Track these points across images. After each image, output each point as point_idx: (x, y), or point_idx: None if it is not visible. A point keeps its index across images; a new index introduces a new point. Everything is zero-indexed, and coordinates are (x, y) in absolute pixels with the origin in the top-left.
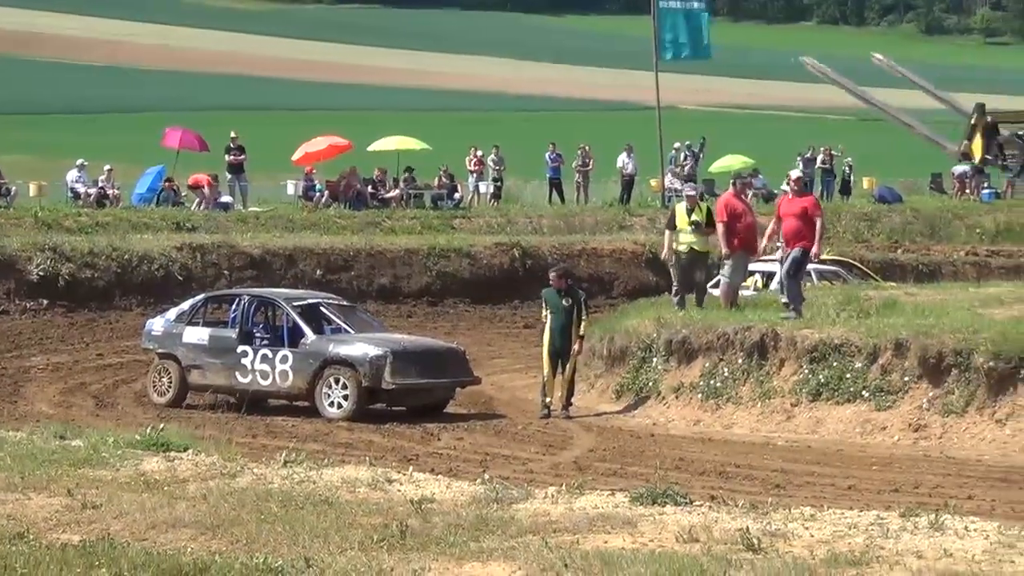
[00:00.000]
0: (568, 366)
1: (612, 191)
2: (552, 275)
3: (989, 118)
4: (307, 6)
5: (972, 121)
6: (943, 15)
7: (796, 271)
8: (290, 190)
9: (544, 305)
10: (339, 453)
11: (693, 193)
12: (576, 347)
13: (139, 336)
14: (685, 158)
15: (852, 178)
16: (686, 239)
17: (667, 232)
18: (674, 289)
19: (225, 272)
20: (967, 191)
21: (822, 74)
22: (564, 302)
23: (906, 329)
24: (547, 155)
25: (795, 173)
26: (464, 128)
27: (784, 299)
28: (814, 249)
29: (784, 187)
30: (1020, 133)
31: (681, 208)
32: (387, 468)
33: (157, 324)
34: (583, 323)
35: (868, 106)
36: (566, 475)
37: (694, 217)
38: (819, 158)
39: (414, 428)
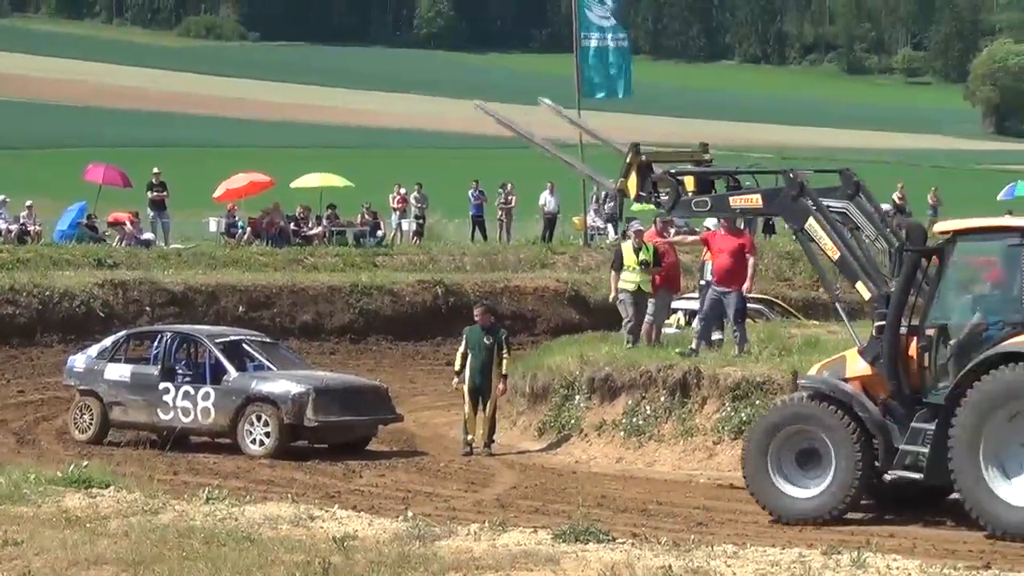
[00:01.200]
0: (489, 404)
1: (535, 229)
2: (477, 311)
3: (643, 156)
4: (231, 43)
5: (628, 159)
6: (864, 55)
7: (742, 317)
8: (212, 227)
9: (464, 342)
10: (261, 490)
11: (641, 228)
12: (500, 386)
13: (61, 373)
14: (606, 197)
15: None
16: (632, 279)
17: (612, 273)
18: (628, 326)
19: (147, 309)
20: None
21: (491, 115)
22: (486, 340)
23: None
24: (470, 192)
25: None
26: (387, 165)
27: (696, 339)
28: (746, 286)
29: (709, 224)
30: (672, 171)
31: (628, 247)
32: (309, 505)
33: (79, 361)
34: (505, 361)
35: (533, 145)
36: (488, 512)
37: (642, 256)
38: None
39: (336, 465)
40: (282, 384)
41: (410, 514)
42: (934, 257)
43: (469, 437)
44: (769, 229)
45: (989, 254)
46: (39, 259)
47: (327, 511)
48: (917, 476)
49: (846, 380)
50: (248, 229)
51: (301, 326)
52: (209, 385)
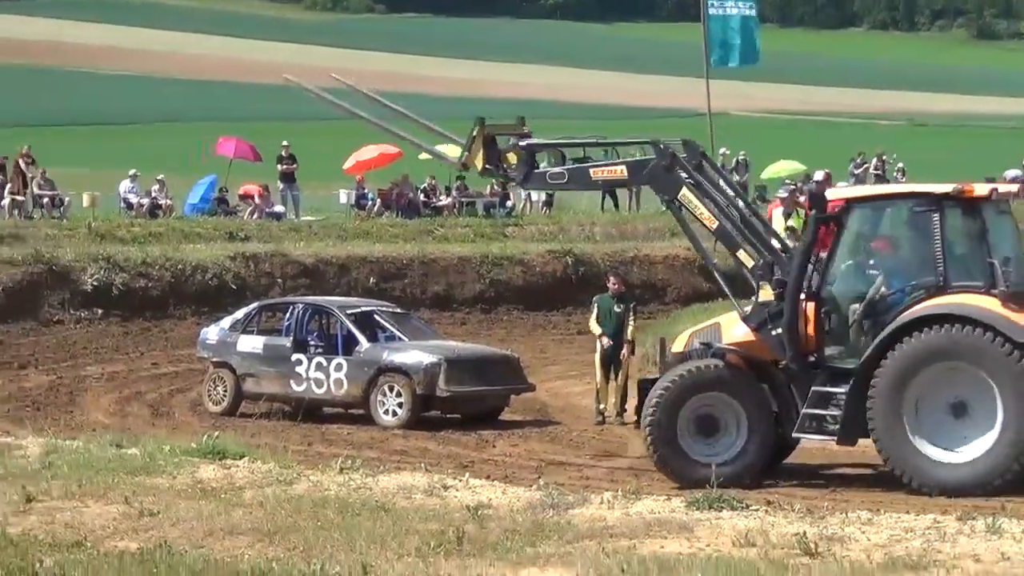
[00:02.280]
0: (621, 372)
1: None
2: (612, 280)
3: (488, 130)
4: (359, 16)
5: (474, 133)
6: (994, 20)
7: None
8: (342, 199)
9: (596, 311)
10: (395, 460)
11: (786, 195)
12: (625, 351)
13: (194, 345)
14: (736, 164)
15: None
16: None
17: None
18: None
19: (278, 281)
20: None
21: (305, 90)
22: (616, 308)
23: None
24: None
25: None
26: None
27: None
28: None
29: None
30: (521, 144)
31: (778, 214)
32: (443, 475)
33: (212, 333)
34: (631, 327)
35: (370, 124)
36: (622, 481)
37: (790, 223)
38: (872, 163)
39: (469, 435)
40: (414, 354)
41: (543, 483)
42: (832, 224)
43: (601, 406)
44: None
45: (893, 221)
46: (171, 233)
47: (461, 480)
48: (827, 439)
49: (725, 346)
50: (378, 201)
51: (432, 297)
52: (341, 356)
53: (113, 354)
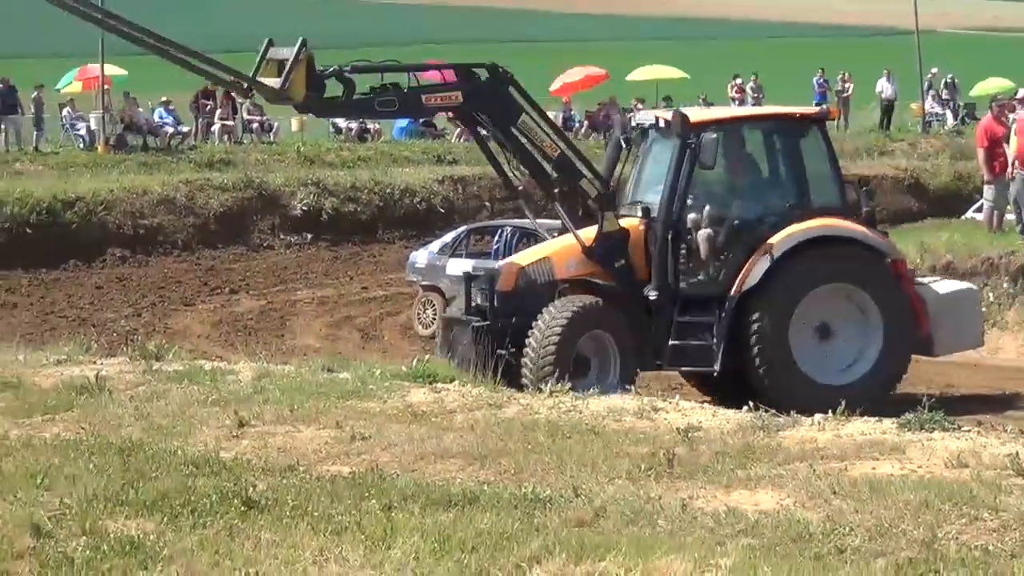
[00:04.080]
0: None
1: (872, 117)
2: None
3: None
4: None
5: (291, 59)
6: None
7: None
8: None
9: None
10: None
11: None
12: None
13: (403, 269)
14: (945, 84)
15: None
16: None
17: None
18: None
19: (486, 204)
20: None
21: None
22: None
23: None
24: (815, 80)
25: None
26: (718, 56)
27: (1022, 229)
28: None
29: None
30: (346, 69)
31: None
32: (653, 397)
33: (420, 257)
34: None
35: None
36: None
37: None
38: None
39: None
40: None
41: (753, 404)
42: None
43: None
44: None
45: (751, 143)
46: (379, 157)
47: (671, 403)
48: (706, 369)
49: (561, 280)
50: (585, 122)
51: None
52: None
53: (323, 279)
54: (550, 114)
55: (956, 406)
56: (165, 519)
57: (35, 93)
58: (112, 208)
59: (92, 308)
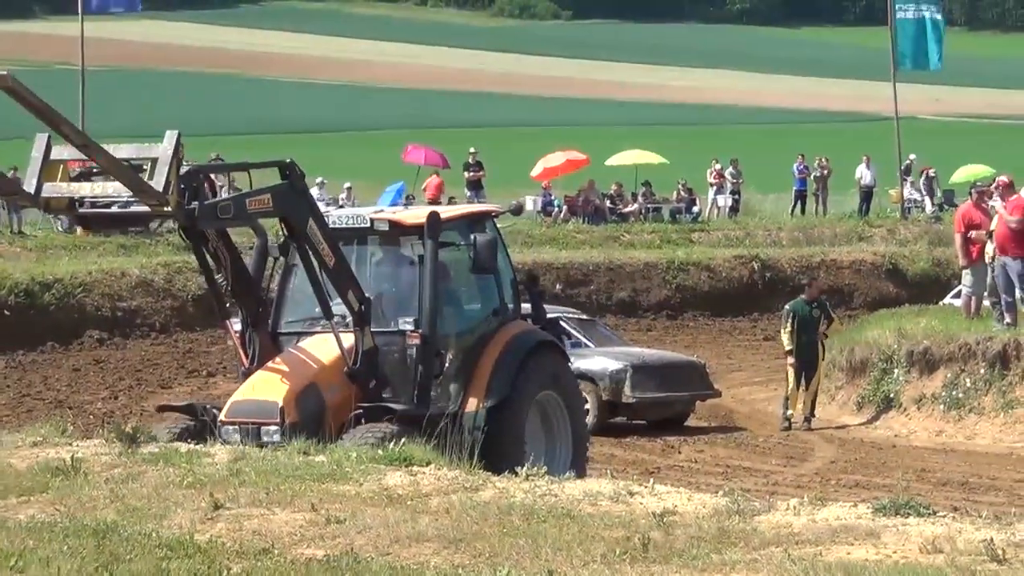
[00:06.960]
0: (814, 380)
1: (851, 202)
2: (811, 285)
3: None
4: (543, 22)
5: (181, 158)
6: None
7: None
8: (529, 206)
9: (791, 319)
10: None
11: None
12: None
13: None
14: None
15: None
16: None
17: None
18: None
19: None
20: None
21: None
22: (813, 313)
23: None
24: (795, 166)
25: (1004, 178)
26: (699, 141)
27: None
28: None
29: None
30: (200, 166)
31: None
32: (628, 481)
33: None
34: (833, 323)
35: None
36: (808, 487)
37: None
38: None
39: (655, 441)
40: (600, 361)
41: (729, 489)
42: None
43: (789, 412)
44: None
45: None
46: None
47: (646, 487)
48: None
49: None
50: (564, 207)
51: (618, 303)
52: None
53: None
54: (529, 199)
55: (932, 492)
56: None
57: (11, 174)
58: (90, 290)
59: (69, 390)
